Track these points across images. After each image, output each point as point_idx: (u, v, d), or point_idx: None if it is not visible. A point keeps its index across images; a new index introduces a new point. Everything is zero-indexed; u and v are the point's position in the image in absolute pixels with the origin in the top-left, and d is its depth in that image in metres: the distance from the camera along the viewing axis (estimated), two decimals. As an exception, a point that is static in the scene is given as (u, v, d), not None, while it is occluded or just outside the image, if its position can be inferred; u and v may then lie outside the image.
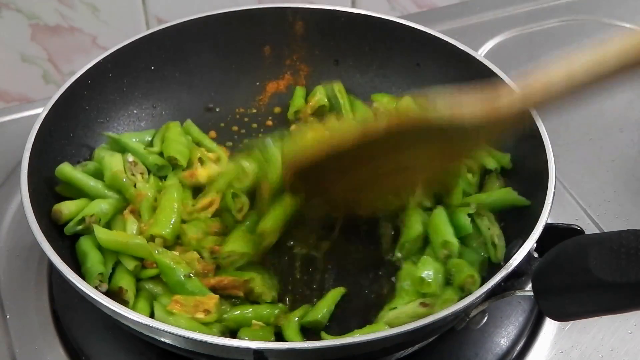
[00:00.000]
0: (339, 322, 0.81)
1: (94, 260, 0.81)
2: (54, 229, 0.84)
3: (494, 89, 0.68)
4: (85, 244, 0.83)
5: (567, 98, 0.66)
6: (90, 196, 0.88)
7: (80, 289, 0.72)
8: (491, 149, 0.91)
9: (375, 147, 0.73)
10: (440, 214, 0.86)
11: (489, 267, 0.83)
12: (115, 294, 0.80)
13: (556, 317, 0.70)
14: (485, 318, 0.74)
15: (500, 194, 0.88)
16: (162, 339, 0.72)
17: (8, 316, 0.87)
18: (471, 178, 0.90)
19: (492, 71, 0.93)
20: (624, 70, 0.63)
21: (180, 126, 0.99)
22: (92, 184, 0.88)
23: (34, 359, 0.83)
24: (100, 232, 0.82)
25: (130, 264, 0.81)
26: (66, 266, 0.73)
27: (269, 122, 1.05)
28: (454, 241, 0.83)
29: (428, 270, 0.81)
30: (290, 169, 0.79)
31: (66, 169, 0.87)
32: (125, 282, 0.81)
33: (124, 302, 0.79)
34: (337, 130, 0.76)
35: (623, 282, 0.61)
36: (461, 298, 0.78)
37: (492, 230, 0.84)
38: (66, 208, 0.84)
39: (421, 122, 0.70)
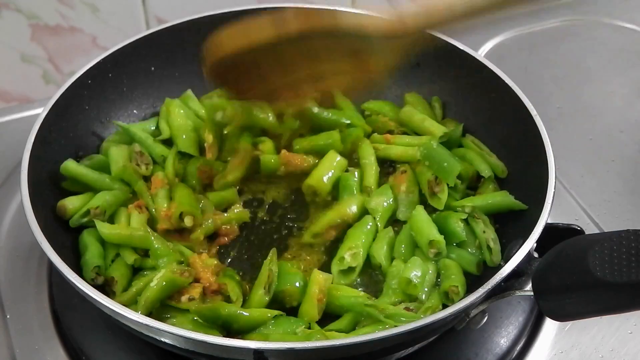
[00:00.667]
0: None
1: (93, 253, 0.82)
2: (54, 228, 0.84)
3: (398, 11, 0.76)
4: (87, 237, 0.85)
5: (462, 20, 0.75)
6: (96, 189, 0.89)
7: (80, 289, 0.72)
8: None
9: (288, 49, 0.78)
10: (419, 213, 0.86)
11: (488, 269, 0.83)
12: (105, 283, 0.82)
13: (556, 317, 0.70)
14: (485, 318, 0.74)
15: (496, 197, 0.88)
16: (162, 339, 0.72)
17: (8, 316, 0.87)
18: (459, 185, 0.90)
19: (492, 71, 0.93)
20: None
21: (179, 104, 0.99)
22: (97, 177, 0.89)
23: (34, 359, 0.83)
24: (103, 227, 0.83)
25: (130, 258, 0.82)
26: (66, 266, 0.73)
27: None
28: (440, 238, 0.83)
29: (416, 271, 0.81)
30: (209, 61, 0.83)
31: (70, 165, 0.88)
32: (118, 273, 0.82)
33: (111, 293, 0.81)
34: (253, 27, 0.81)
35: (623, 282, 0.61)
36: (445, 305, 0.79)
37: (487, 234, 0.84)
38: (70, 203, 0.86)
39: (330, 26, 0.76)
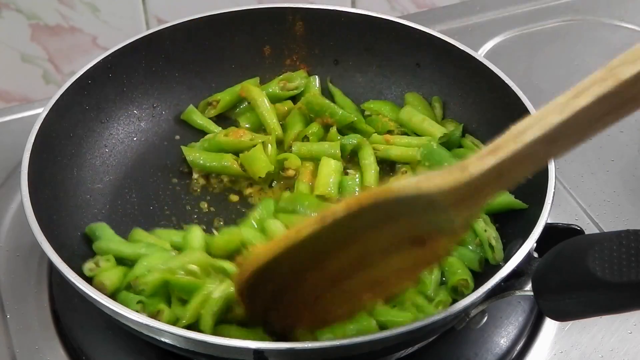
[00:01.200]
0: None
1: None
2: (54, 228, 0.84)
3: (462, 162, 0.60)
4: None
5: (543, 149, 0.58)
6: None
7: (80, 288, 0.72)
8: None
9: (334, 236, 0.62)
10: None
11: (489, 267, 0.83)
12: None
13: (556, 317, 0.70)
14: (485, 318, 0.74)
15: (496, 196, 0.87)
16: (162, 339, 0.72)
17: (8, 316, 0.87)
18: None
19: (492, 71, 0.93)
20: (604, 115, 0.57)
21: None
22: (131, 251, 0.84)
23: (34, 359, 0.83)
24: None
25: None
26: (66, 266, 0.73)
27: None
28: None
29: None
30: (239, 287, 0.69)
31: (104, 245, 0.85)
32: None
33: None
34: (290, 230, 0.65)
35: (623, 282, 0.61)
36: (455, 300, 0.79)
37: (489, 232, 0.84)
38: (107, 279, 0.80)
39: (384, 195, 0.59)
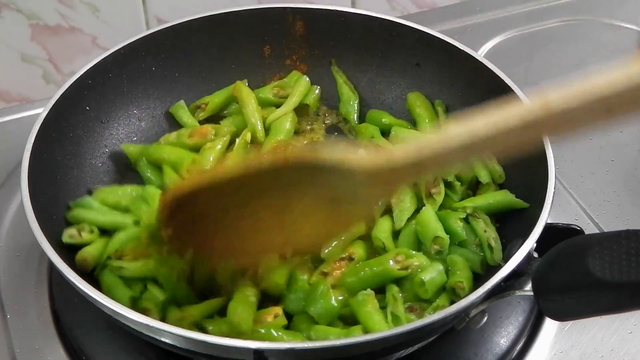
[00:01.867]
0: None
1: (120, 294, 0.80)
2: (54, 228, 0.84)
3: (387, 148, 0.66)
4: (108, 279, 0.82)
5: (463, 154, 0.63)
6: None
7: (80, 288, 0.72)
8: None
9: (253, 185, 0.67)
10: (428, 211, 0.86)
11: (489, 267, 0.83)
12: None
13: (556, 317, 0.70)
14: (485, 318, 0.74)
15: (497, 196, 0.88)
16: (162, 339, 0.72)
17: (8, 316, 0.87)
18: (459, 187, 0.90)
19: (492, 71, 0.93)
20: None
21: None
22: (109, 220, 0.86)
23: (34, 359, 0.83)
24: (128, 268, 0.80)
25: (160, 295, 0.80)
26: (66, 266, 0.73)
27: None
28: (444, 236, 0.83)
29: (431, 275, 0.80)
30: (167, 201, 0.72)
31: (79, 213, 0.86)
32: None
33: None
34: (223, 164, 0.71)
35: (623, 282, 0.61)
36: (453, 301, 0.79)
37: (489, 233, 0.84)
38: (89, 255, 0.82)
39: (310, 159, 0.65)
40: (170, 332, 0.69)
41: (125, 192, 0.89)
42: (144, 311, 0.78)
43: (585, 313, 0.67)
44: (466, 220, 0.86)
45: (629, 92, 0.56)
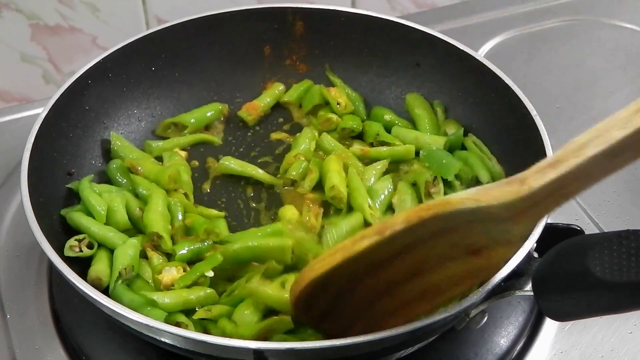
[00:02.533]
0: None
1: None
2: (54, 228, 0.84)
3: (521, 175, 0.61)
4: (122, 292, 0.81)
5: (604, 164, 0.60)
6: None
7: (80, 288, 0.72)
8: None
9: (392, 247, 0.62)
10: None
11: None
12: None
13: (556, 317, 0.70)
14: (485, 318, 0.74)
15: None
16: (162, 339, 0.72)
17: (8, 316, 0.87)
18: (458, 186, 0.90)
19: (492, 71, 0.93)
20: None
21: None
22: (106, 235, 0.85)
23: (34, 359, 0.83)
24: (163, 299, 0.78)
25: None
26: (66, 266, 0.73)
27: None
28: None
29: None
30: (295, 299, 0.69)
31: (75, 216, 0.86)
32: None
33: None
34: (347, 241, 0.63)
35: (623, 282, 0.61)
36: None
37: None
38: (101, 273, 0.81)
39: (443, 209, 0.60)
40: (170, 332, 0.69)
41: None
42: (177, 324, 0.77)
43: (586, 313, 0.67)
44: None
45: None
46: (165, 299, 0.78)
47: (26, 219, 0.76)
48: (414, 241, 0.62)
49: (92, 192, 0.87)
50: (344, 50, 1.06)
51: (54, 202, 0.86)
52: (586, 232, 0.83)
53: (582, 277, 0.63)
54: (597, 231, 0.96)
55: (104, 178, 0.94)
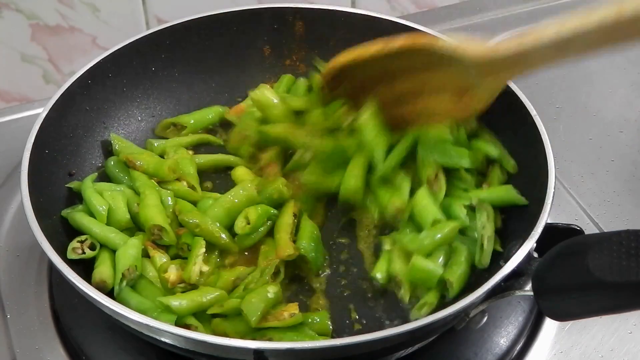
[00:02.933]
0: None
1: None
2: (54, 228, 0.84)
3: (494, 41, 0.77)
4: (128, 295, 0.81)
5: (554, 56, 0.74)
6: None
7: (81, 289, 0.72)
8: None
9: (391, 64, 0.85)
10: (423, 194, 0.86)
11: (490, 267, 0.83)
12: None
13: (556, 317, 0.70)
14: (485, 318, 0.74)
15: (501, 191, 0.88)
16: (162, 339, 0.72)
17: (8, 316, 0.87)
18: (470, 177, 0.89)
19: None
20: (608, 38, 0.70)
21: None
22: (98, 231, 0.84)
23: (34, 359, 0.83)
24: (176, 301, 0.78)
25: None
26: (66, 266, 0.73)
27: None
28: (443, 218, 0.83)
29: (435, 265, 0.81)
30: (325, 71, 0.92)
31: (77, 217, 0.85)
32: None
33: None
34: (364, 46, 0.88)
35: (623, 282, 0.61)
36: (442, 297, 0.79)
37: (485, 231, 0.82)
38: (105, 275, 0.80)
39: (429, 46, 0.81)
40: (170, 332, 0.69)
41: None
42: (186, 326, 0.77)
43: (586, 313, 0.67)
44: (472, 210, 0.85)
45: None
46: (179, 302, 0.77)
47: (26, 218, 0.76)
48: (413, 66, 0.84)
49: (93, 192, 0.87)
50: (344, 50, 1.05)
51: (55, 202, 0.86)
52: (586, 232, 0.83)
53: (582, 277, 0.63)
54: (597, 231, 0.96)
55: (106, 179, 0.94)
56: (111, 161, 0.94)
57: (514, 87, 0.90)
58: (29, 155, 0.83)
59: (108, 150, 0.96)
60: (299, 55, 1.07)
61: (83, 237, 0.84)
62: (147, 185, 0.89)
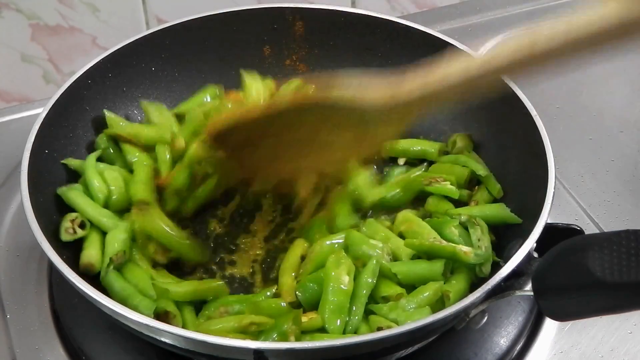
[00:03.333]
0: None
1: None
2: (54, 228, 0.84)
3: (400, 75, 0.72)
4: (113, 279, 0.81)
5: (460, 94, 0.72)
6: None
7: (80, 288, 0.72)
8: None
9: (281, 120, 0.79)
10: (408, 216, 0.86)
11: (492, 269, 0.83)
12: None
13: (556, 317, 0.70)
14: (485, 318, 0.74)
15: (492, 209, 0.86)
16: (162, 339, 0.72)
17: (8, 316, 0.87)
18: (455, 191, 0.88)
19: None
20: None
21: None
22: (91, 211, 0.85)
23: (34, 359, 0.83)
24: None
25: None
26: (66, 266, 0.73)
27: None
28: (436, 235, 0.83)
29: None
30: (209, 131, 0.85)
31: (72, 194, 0.86)
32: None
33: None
34: (250, 103, 0.87)
35: (623, 282, 0.61)
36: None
37: (482, 242, 0.82)
38: (93, 258, 0.81)
39: (323, 100, 0.74)
40: (170, 332, 0.69)
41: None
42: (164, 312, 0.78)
43: (585, 313, 0.67)
44: (466, 228, 0.85)
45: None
46: (177, 287, 0.79)
47: (26, 218, 0.76)
48: (303, 118, 0.77)
49: (95, 172, 0.88)
50: (344, 50, 1.06)
51: (54, 202, 0.86)
52: (586, 232, 0.83)
53: (582, 277, 0.63)
54: (597, 231, 0.96)
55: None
56: (103, 137, 0.94)
57: (514, 87, 0.90)
58: (28, 155, 0.83)
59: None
60: (299, 55, 1.07)
61: (74, 215, 0.84)
62: (139, 160, 0.91)
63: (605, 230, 0.95)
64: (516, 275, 0.72)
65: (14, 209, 0.99)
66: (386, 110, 0.72)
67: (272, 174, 0.87)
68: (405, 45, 1.02)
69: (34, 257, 0.93)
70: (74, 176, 0.91)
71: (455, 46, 0.97)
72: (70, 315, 0.86)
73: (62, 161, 0.90)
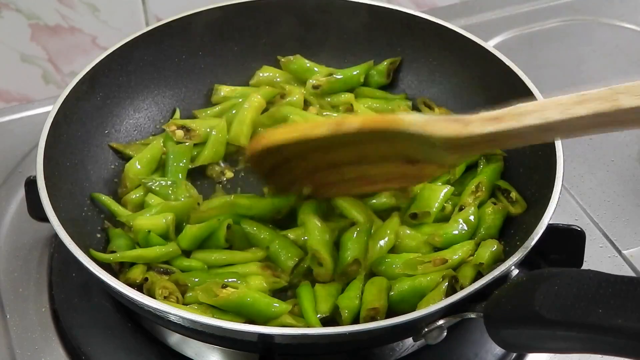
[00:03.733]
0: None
1: None
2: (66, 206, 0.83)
3: (467, 118, 0.70)
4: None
5: (531, 138, 0.72)
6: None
7: (88, 269, 0.72)
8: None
9: (342, 142, 0.76)
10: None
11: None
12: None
13: (503, 346, 0.68)
14: (444, 334, 0.72)
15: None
16: (171, 320, 0.72)
17: (8, 316, 0.87)
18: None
19: (499, 59, 0.96)
20: (597, 124, 0.65)
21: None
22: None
23: (34, 359, 0.83)
24: None
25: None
26: (76, 247, 0.73)
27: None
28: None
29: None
30: (251, 147, 0.83)
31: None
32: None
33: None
34: (309, 123, 0.83)
35: (565, 321, 0.60)
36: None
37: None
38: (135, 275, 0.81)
39: (393, 127, 0.72)
40: (177, 314, 0.69)
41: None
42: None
43: (530, 347, 0.67)
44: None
45: None
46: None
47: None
48: (363, 140, 0.74)
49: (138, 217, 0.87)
50: (344, 50, 1.06)
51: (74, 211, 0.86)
52: (586, 232, 0.83)
53: (524, 308, 0.62)
54: (597, 231, 0.96)
55: (108, 183, 0.94)
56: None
57: (524, 77, 0.93)
58: (44, 144, 0.83)
59: (109, 151, 0.96)
60: (299, 54, 1.06)
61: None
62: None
63: (605, 231, 0.96)
64: (482, 297, 0.70)
65: (14, 209, 0.99)
66: (454, 143, 0.69)
67: (315, 182, 0.85)
68: (404, 42, 1.05)
69: (34, 257, 0.92)
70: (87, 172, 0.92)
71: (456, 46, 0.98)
72: (70, 315, 0.86)
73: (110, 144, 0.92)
